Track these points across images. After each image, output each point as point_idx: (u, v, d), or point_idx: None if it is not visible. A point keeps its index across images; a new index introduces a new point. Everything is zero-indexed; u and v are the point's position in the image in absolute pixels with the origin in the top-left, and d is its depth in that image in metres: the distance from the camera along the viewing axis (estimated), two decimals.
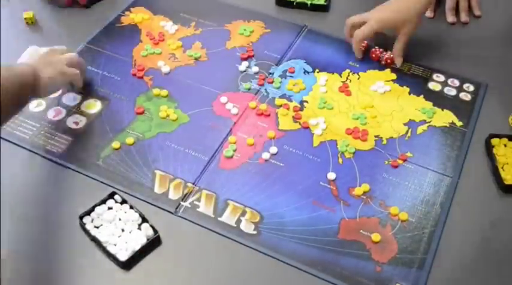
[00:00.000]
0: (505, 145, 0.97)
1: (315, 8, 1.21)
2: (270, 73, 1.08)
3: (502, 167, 0.94)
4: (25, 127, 0.96)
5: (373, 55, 1.11)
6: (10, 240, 0.82)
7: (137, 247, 0.81)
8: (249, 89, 1.05)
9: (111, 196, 0.87)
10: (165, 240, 0.83)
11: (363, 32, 1.07)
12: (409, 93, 1.06)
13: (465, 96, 1.06)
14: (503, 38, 1.18)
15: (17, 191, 0.88)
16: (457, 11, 1.22)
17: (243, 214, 0.87)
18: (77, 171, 0.91)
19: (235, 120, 1.00)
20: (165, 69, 1.07)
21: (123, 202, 0.86)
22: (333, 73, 1.09)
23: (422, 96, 1.05)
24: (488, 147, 0.96)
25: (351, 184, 0.91)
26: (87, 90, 1.03)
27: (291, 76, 1.08)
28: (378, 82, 1.07)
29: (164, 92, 1.03)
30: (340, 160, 0.95)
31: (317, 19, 1.20)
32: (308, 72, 1.09)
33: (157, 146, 0.95)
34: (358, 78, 1.08)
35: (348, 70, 1.09)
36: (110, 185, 0.89)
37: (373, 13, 1.08)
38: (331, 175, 0.92)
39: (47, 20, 1.17)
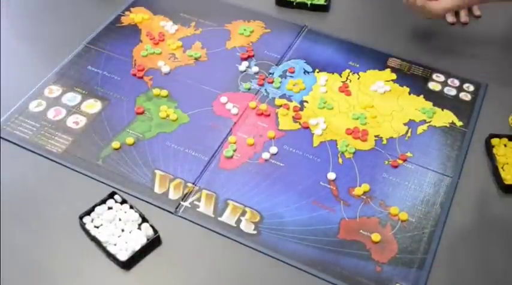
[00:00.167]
0: (505, 145, 0.97)
1: (315, 8, 1.21)
2: (270, 73, 1.08)
3: (502, 167, 0.94)
4: (25, 127, 0.96)
5: None
6: (10, 240, 0.82)
7: (137, 247, 0.81)
8: (249, 89, 1.05)
9: (111, 196, 0.87)
10: (165, 241, 0.83)
11: None
12: (409, 93, 1.06)
13: (465, 96, 1.06)
14: (503, 38, 1.19)
15: (17, 191, 0.88)
16: (456, 11, 1.22)
17: (243, 213, 0.87)
18: (77, 171, 0.91)
19: (235, 120, 1.00)
20: (165, 69, 1.07)
21: (123, 202, 0.86)
22: (333, 73, 1.09)
23: (422, 96, 1.05)
24: (488, 147, 0.96)
25: (351, 184, 0.91)
26: (87, 90, 1.03)
27: (291, 76, 1.08)
28: (378, 82, 1.07)
29: (164, 92, 1.03)
30: (340, 160, 0.95)
31: (317, 19, 1.20)
32: (308, 72, 1.09)
33: (157, 147, 0.95)
34: (358, 78, 1.08)
35: (348, 70, 1.09)
36: (110, 185, 0.89)
37: None
38: (331, 175, 0.92)
39: (47, 20, 1.17)
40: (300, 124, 1.00)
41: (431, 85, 1.07)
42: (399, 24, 1.19)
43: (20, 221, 0.85)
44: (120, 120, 0.99)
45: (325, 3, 1.21)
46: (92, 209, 0.85)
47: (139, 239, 0.82)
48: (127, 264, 0.80)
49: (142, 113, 1.00)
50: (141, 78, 1.06)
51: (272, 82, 1.06)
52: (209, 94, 1.03)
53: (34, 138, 0.95)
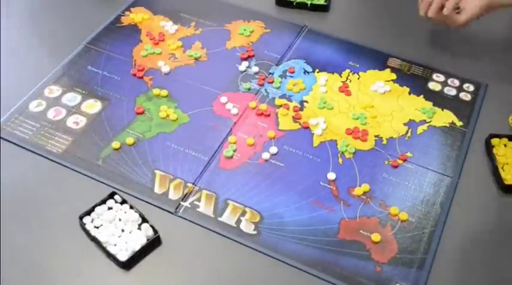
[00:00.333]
0: (505, 145, 0.97)
1: (315, 8, 1.21)
2: (270, 73, 1.08)
3: (502, 167, 0.94)
4: (25, 127, 0.96)
5: None
6: (10, 240, 0.82)
7: (137, 247, 0.81)
8: (249, 89, 1.05)
9: (111, 196, 0.87)
10: (165, 241, 0.83)
11: None
12: (409, 93, 1.06)
13: (465, 96, 1.06)
14: (503, 38, 1.19)
15: (17, 191, 0.88)
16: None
17: (243, 214, 0.87)
18: (77, 171, 0.91)
19: (235, 120, 1.00)
20: (165, 69, 1.07)
21: (123, 202, 0.86)
22: (333, 73, 1.09)
23: (422, 96, 1.05)
24: (488, 147, 0.96)
25: (351, 184, 0.91)
26: (87, 90, 1.03)
27: (291, 76, 1.08)
28: (378, 82, 1.07)
29: (164, 92, 1.03)
30: (340, 160, 0.95)
31: (317, 19, 1.20)
32: (308, 72, 1.09)
33: (157, 147, 0.95)
34: (358, 78, 1.08)
35: (348, 70, 1.09)
36: (110, 185, 0.89)
37: None
38: (331, 175, 0.92)
39: (47, 20, 1.17)
40: (300, 124, 1.00)
41: (431, 85, 1.07)
42: (399, 24, 1.19)
43: (20, 221, 0.85)
44: (120, 120, 0.99)
45: (325, 3, 1.21)
46: (92, 209, 0.85)
47: (139, 239, 0.82)
48: (127, 265, 0.80)
49: (142, 113, 1.00)
50: (141, 78, 1.06)
51: (272, 82, 1.06)
52: (209, 94, 1.03)
53: (34, 138, 0.95)
